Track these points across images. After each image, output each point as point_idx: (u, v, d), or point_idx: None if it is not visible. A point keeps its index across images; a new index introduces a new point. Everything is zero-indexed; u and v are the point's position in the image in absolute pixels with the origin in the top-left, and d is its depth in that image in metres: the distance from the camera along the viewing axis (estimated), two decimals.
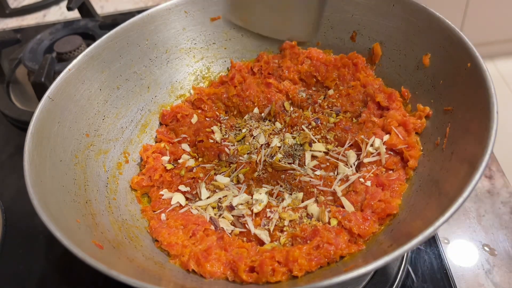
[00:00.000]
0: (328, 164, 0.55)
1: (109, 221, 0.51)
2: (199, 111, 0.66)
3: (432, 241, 0.56)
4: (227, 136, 0.62)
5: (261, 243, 0.50)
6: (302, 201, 0.53)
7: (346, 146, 0.56)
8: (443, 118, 0.51)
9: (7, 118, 0.82)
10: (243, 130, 0.62)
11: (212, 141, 0.61)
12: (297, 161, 0.56)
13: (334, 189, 0.52)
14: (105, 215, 0.52)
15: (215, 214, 0.54)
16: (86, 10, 0.95)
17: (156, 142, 0.64)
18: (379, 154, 0.53)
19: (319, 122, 0.59)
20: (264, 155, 0.57)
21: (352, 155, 0.54)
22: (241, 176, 0.56)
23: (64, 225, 0.42)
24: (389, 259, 0.34)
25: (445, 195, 0.42)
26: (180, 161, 0.61)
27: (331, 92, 0.62)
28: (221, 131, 0.63)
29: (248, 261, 0.46)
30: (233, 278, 0.46)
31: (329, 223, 0.49)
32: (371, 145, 0.53)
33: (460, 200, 0.36)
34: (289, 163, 0.56)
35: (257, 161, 0.57)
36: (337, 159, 0.55)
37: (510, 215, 0.58)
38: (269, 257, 0.45)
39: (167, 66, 0.68)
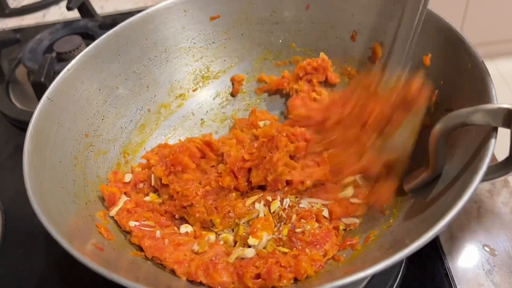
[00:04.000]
0: None
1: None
2: None
3: (432, 241, 0.56)
4: None
5: None
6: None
7: None
8: None
9: (7, 118, 0.82)
10: None
11: None
12: None
13: None
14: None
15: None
16: (86, 10, 0.94)
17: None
18: None
19: None
20: None
21: None
22: None
23: (64, 227, 0.42)
24: (390, 263, 0.34)
25: (446, 197, 0.42)
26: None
27: None
28: None
29: (253, 267, 0.45)
30: (237, 285, 0.45)
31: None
32: None
33: (461, 202, 0.36)
34: None
35: None
36: None
37: (510, 215, 0.58)
38: (275, 263, 0.45)
39: (166, 65, 0.67)
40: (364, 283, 0.52)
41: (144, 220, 0.53)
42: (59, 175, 0.51)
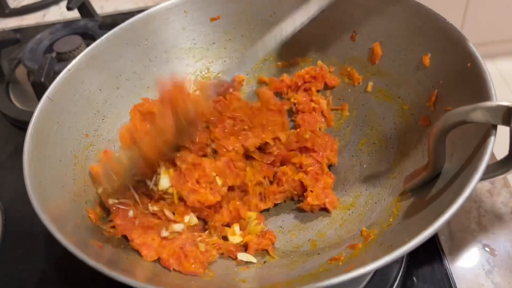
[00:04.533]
0: None
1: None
2: None
3: (432, 241, 0.56)
4: None
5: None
6: None
7: None
8: None
9: (7, 118, 0.82)
10: None
11: None
12: None
13: None
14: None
15: None
16: (86, 10, 0.95)
17: None
18: None
19: None
20: None
21: None
22: None
23: (63, 225, 0.42)
24: (389, 260, 0.34)
25: (445, 195, 0.42)
26: None
27: None
28: None
29: None
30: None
31: None
32: None
33: (460, 200, 0.36)
34: None
35: None
36: None
37: (510, 215, 0.58)
38: None
39: (166, 66, 0.67)
40: (364, 283, 0.52)
41: (125, 198, 0.54)
42: (59, 174, 0.51)
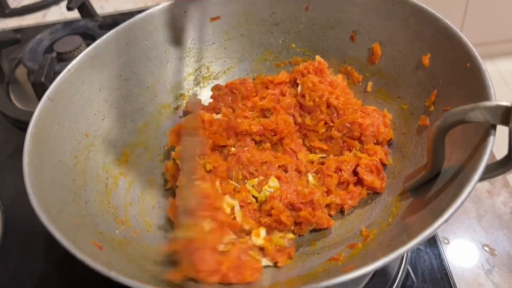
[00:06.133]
0: None
1: (109, 222, 0.52)
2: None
3: (432, 241, 0.56)
4: None
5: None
6: None
7: None
8: None
9: (7, 118, 0.82)
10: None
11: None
12: None
13: None
14: (104, 215, 0.52)
15: None
16: (86, 10, 0.95)
17: None
18: None
19: None
20: None
21: None
22: None
23: (63, 225, 0.42)
24: (388, 260, 0.34)
25: (444, 195, 0.42)
26: None
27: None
28: None
29: None
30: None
31: None
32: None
33: (459, 200, 0.36)
34: None
35: None
36: None
37: (510, 215, 0.58)
38: None
39: (166, 66, 0.67)
40: (364, 283, 0.52)
41: None
42: (59, 174, 0.51)
